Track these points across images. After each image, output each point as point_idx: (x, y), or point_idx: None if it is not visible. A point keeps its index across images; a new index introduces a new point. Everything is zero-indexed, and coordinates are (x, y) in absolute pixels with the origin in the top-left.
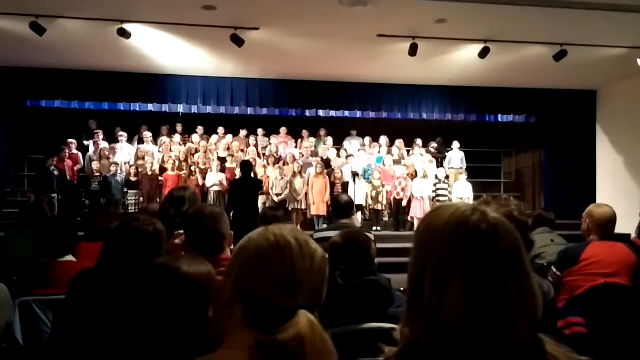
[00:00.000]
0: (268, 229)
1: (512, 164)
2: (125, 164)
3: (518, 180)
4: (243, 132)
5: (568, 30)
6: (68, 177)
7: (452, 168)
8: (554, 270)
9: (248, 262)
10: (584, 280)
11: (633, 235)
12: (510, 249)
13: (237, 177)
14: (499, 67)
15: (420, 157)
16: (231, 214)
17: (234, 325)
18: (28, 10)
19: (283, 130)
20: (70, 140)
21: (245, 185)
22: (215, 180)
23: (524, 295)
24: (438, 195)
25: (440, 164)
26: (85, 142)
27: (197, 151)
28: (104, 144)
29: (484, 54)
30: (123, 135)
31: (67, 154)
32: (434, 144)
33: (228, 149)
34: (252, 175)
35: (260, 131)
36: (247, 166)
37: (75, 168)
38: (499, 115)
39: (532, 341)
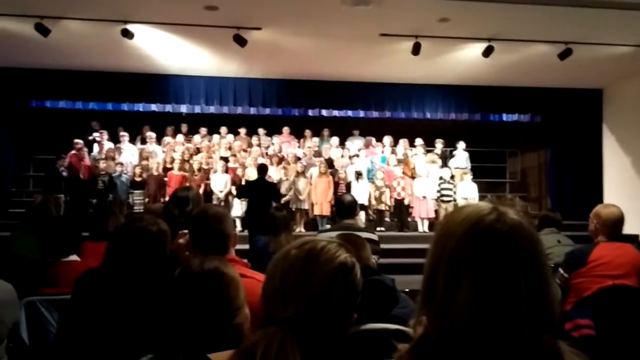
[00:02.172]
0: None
1: (517, 164)
2: (129, 164)
3: (523, 180)
4: (242, 131)
5: (573, 29)
6: (82, 177)
7: (457, 168)
8: (561, 271)
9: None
10: (592, 282)
11: None
12: (526, 251)
13: (243, 177)
14: (503, 65)
15: (422, 156)
16: (239, 214)
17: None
18: (33, 12)
19: (285, 130)
20: (76, 140)
21: (260, 186)
22: (221, 181)
23: (537, 299)
24: (443, 196)
25: (444, 164)
26: (90, 138)
27: (199, 151)
28: (108, 144)
29: (487, 52)
30: (125, 136)
31: (83, 153)
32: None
33: (230, 148)
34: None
35: (261, 130)
36: (262, 168)
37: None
38: (504, 115)
39: (546, 346)
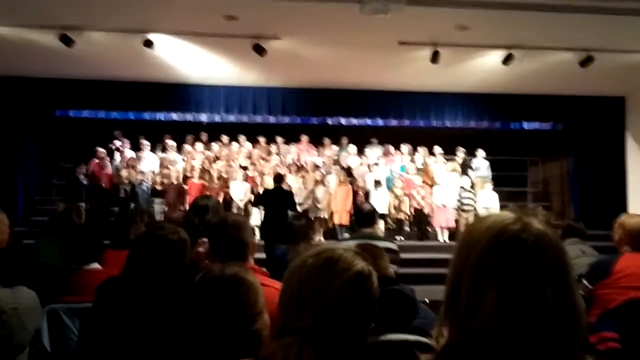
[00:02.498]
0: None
1: (539, 173)
2: (150, 172)
3: (545, 189)
4: (262, 140)
5: (594, 36)
6: (104, 185)
7: (478, 177)
8: (585, 283)
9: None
10: (616, 294)
11: None
12: (552, 262)
13: (262, 185)
14: (523, 73)
15: (441, 165)
16: (256, 223)
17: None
18: (57, 23)
19: (304, 138)
20: (98, 149)
21: (277, 195)
22: (241, 190)
23: (564, 309)
24: (463, 204)
25: (465, 172)
26: (113, 147)
27: (218, 159)
28: (129, 153)
29: (507, 60)
30: (146, 144)
31: (105, 162)
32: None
33: (249, 157)
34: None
35: (280, 139)
36: (279, 177)
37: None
38: (524, 123)
39: (573, 358)
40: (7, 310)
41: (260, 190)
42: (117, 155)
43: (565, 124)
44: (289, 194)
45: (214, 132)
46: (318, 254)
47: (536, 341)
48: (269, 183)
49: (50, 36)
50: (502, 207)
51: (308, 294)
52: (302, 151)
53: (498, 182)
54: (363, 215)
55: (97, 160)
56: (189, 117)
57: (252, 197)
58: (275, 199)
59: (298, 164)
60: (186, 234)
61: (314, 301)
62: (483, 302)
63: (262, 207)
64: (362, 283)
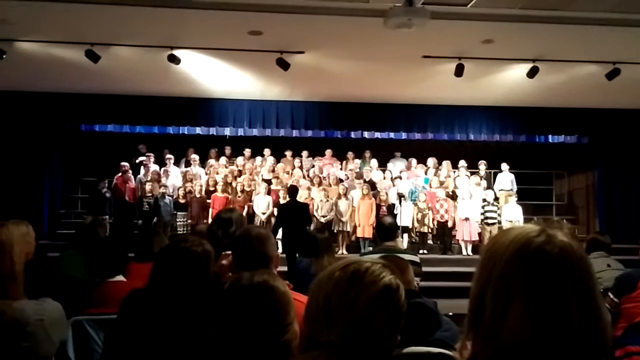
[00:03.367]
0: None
1: (564, 186)
2: (174, 186)
3: (570, 203)
4: (288, 153)
5: (620, 48)
6: (127, 199)
7: (501, 190)
8: (611, 296)
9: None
10: None
11: None
12: (577, 274)
13: (284, 200)
14: (548, 86)
15: (465, 178)
16: (277, 236)
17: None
18: (83, 39)
19: (328, 152)
20: (122, 163)
21: (293, 208)
22: (263, 203)
23: (589, 322)
24: (487, 218)
25: (489, 186)
26: (137, 161)
27: (241, 173)
28: (154, 167)
29: (532, 73)
30: (170, 158)
31: (129, 176)
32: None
33: (273, 170)
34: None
35: (304, 153)
36: (293, 190)
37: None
38: (550, 136)
39: None
40: (32, 321)
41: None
42: (141, 169)
43: (591, 137)
44: (304, 207)
45: (238, 146)
46: (345, 266)
47: (562, 354)
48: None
49: (76, 52)
50: (527, 220)
51: (335, 307)
52: (325, 165)
53: (523, 195)
54: (384, 229)
55: (120, 174)
56: (212, 131)
57: (275, 210)
58: (292, 212)
59: (321, 176)
60: (210, 246)
61: (341, 314)
62: (508, 315)
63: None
64: (390, 296)
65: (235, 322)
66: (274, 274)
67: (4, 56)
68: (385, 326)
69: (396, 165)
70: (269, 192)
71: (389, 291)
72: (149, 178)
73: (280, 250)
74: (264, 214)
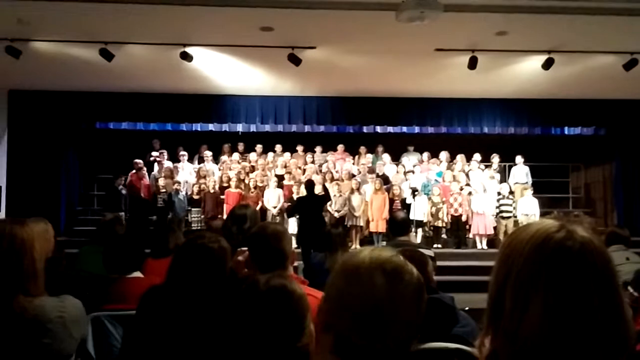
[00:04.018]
0: (366, 255)
1: (581, 178)
2: (187, 182)
3: (587, 195)
4: (300, 148)
5: (638, 38)
6: (143, 195)
7: (517, 183)
8: (631, 290)
9: (337, 294)
10: None
11: None
12: (598, 269)
13: (298, 194)
14: (564, 78)
15: (479, 171)
16: (292, 231)
17: (323, 350)
18: (97, 38)
19: (340, 147)
20: (136, 160)
21: (310, 202)
22: (274, 196)
23: (611, 318)
24: (502, 212)
25: (502, 179)
26: (151, 158)
27: (254, 169)
28: (167, 163)
29: (547, 65)
30: (184, 155)
31: (143, 173)
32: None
33: (285, 166)
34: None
35: (318, 148)
36: (310, 184)
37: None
38: (565, 128)
39: None
40: (53, 318)
41: (295, 197)
42: (155, 166)
43: (608, 129)
44: (321, 200)
45: (250, 141)
46: (382, 264)
47: (583, 350)
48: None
49: (90, 51)
50: (543, 214)
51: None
52: (338, 159)
53: (539, 188)
54: (397, 224)
55: (135, 171)
56: (225, 127)
57: (285, 205)
58: (309, 206)
59: (333, 171)
60: (226, 243)
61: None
62: (528, 311)
63: (297, 216)
64: (421, 292)
65: (252, 326)
66: (290, 275)
67: (20, 56)
68: (411, 322)
69: (410, 159)
70: (281, 187)
71: (420, 287)
72: (162, 175)
73: (295, 244)
74: (275, 207)
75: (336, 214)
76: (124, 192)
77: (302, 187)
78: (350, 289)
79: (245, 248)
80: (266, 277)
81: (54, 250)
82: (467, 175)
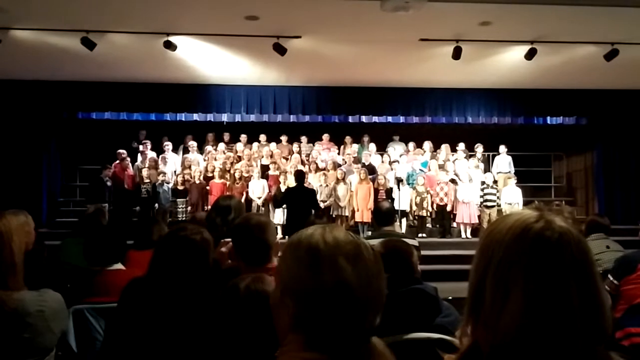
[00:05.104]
0: (319, 240)
1: (563, 168)
2: (172, 173)
3: (569, 184)
4: (284, 139)
5: (619, 29)
6: (126, 186)
7: (500, 172)
8: (611, 278)
9: (304, 289)
10: None
11: None
12: (576, 259)
13: (284, 185)
14: (546, 68)
15: (464, 161)
16: (279, 222)
17: (294, 349)
18: (79, 26)
19: (325, 136)
20: (120, 150)
21: (299, 193)
22: (258, 187)
23: (589, 307)
24: (486, 201)
25: (486, 169)
26: (134, 145)
27: (240, 159)
28: (151, 154)
29: (530, 55)
30: (168, 145)
31: (127, 163)
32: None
33: (271, 156)
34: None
35: (304, 138)
36: (300, 175)
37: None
38: (548, 118)
39: (598, 357)
40: (32, 312)
41: (282, 189)
42: (139, 156)
43: (589, 118)
44: (312, 192)
45: (235, 131)
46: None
47: (562, 339)
48: (291, 182)
49: (71, 39)
50: (526, 203)
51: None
52: (324, 149)
53: (522, 177)
54: (382, 214)
55: (118, 162)
56: (210, 117)
57: (271, 194)
58: (298, 197)
59: (319, 161)
60: (209, 235)
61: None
62: (508, 301)
63: (284, 207)
64: (379, 263)
65: (239, 329)
66: (273, 267)
67: None
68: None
69: (395, 149)
70: (266, 178)
71: (378, 257)
72: (146, 165)
73: (280, 235)
74: (259, 198)
75: (321, 205)
76: (109, 183)
77: (291, 177)
78: (316, 280)
79: (229, 239)
80: (247, 282)
81: (35, 242)
82: (453, 164)
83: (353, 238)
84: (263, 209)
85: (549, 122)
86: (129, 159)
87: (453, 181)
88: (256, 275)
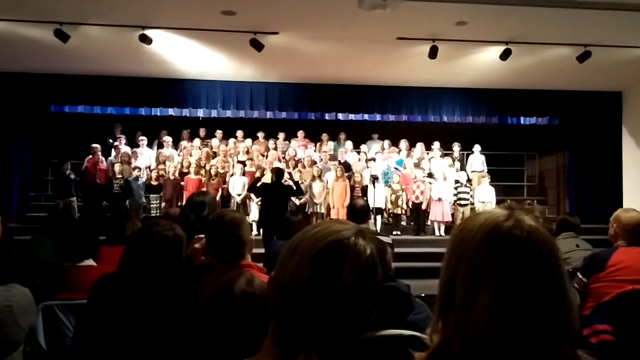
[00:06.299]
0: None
1: (535, 167)
2: (146, 168)
3: (541, 184)
4: (261, 135)
5: (592, 31)
6: (98, 181)
7: (474, 171)
8: (580, 276)
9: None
10: (611, 287)
11: None
12: (545, 257)
13: (263, 180)
14: (520, 68)
15: (439, 159)
16: (253, 218)
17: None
18: (52, 18)
19: (300, 133)
20: (94, 145)
21: (276, 190)
22: (239, 184)
23: (557, 305)
24: (459, 199)
25: (462, 168)
26: (109, 144)
27: (215, 155)
28: (125, 148)
29: (505, 55)
30: (143, 140)
31: (99, 157)
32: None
33: (247, 152)
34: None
35: (281, 135)
36: (279, 172)
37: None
38: (521, 118)
39: (566, 354)
40: (0, 307)
41: (259, 184)
42: (112, 151)
43: (562, 119)
44: (289, 188)
45: (211, 127)
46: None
47: (531, 337)
48: (267, 179)
49: (45, 31)
50: (499, 201)
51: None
52: (300, 146)
53: (495, 176)
54: (356, 211)
55: (91, 156)
56: (185, 112)
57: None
58: (274, 194)
59: (295, 159)
60: (182, 231)
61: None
62: (478, 300)
63: (259, 199)
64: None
65: (217, 329)
66: (248, 264)
67: None
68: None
69: (372, 147)
70: (243, 174)
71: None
72: (119, 160)
73: (255, 232)
74: (239, 195)
75: (297, 202)
76: (72, 176)
77: (270, 173)
78: (298, 275)
79: (202, 235)
80: (225, 281)
81: (3, 237)
82: (429, 162)
83: (335, 227)
84: (242, 206)
85: (522, 122)
86: (100, 153)
87: (430, 175)
88: (247, 277)
